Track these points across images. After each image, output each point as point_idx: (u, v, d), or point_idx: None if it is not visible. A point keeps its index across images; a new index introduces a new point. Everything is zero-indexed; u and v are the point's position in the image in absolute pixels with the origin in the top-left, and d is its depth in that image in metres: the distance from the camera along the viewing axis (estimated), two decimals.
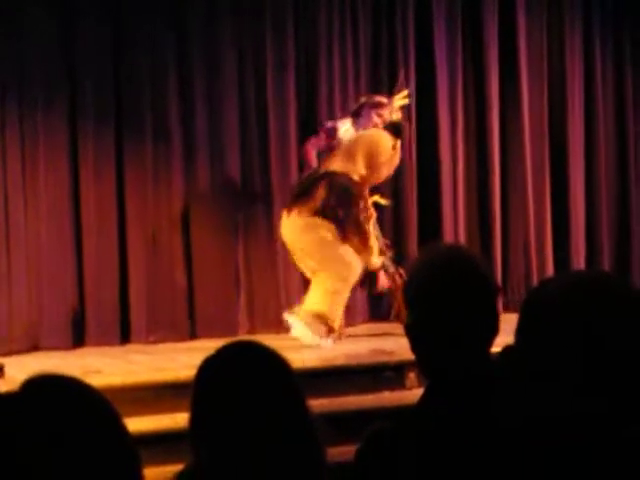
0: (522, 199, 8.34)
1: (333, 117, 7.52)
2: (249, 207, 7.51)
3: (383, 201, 7.15)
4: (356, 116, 7.00)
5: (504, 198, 8.34)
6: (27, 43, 6.81)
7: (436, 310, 1.83)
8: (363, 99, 7.12)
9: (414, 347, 1.88)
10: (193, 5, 7.31)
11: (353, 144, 6.76)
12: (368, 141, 6.76)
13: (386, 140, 6.73)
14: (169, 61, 7.24)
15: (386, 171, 6.80)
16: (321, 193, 6.56)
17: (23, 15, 6.77)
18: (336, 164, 6.67)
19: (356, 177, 6.62)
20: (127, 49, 7.11)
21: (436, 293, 1.83)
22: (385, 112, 6.93)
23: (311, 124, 7.61)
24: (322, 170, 6.73)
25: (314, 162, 6.94)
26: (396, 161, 6.83)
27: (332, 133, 6.95)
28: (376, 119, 6.90)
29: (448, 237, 7.96)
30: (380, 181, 6.88)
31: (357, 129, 6.93)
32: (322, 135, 7.01)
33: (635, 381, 1.53)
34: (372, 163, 6.68)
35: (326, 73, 7.73)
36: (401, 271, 6.88)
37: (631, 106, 8.75)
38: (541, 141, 8.43)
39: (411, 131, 7.83)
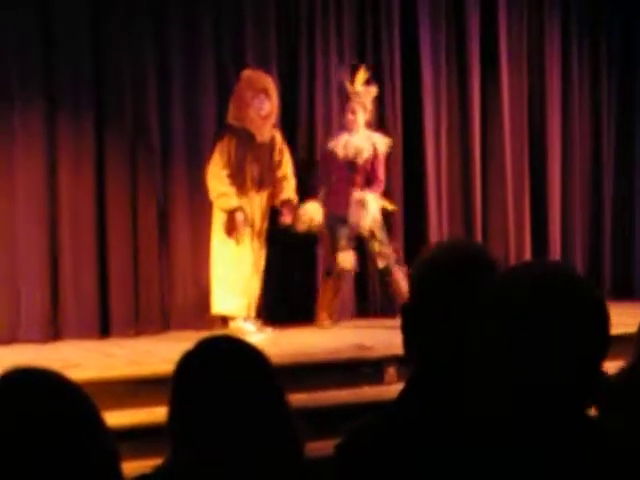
0: (502, 191, 8.43)
1: (313, 117, 7.60)
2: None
3: (390, 207, 7.23)
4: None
5: (484, 191, 8.41)
6: (4, 38, 6.78)
7: (441, 296, 1.81)
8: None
9: (406, 328, 1.87)
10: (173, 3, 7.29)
11: None
12: None
13: None
14: (148, 54, 7.23)
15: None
16: None
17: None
18: None
19: None
20: (107, 47, 7.11)
21: (445, 280, 1.82)
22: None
23: (292, 124, 7.63)
24: None
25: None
26: None
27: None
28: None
29: (433, 229, 8.03)
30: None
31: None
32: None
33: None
34: None
35: (307, 70, 7.74)
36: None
37: (605, 103, 8.88)
38: (521, 136, 8.55)
39: (397, 126, 7.87)
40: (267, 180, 7.01)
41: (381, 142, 7.31)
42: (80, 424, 1.40)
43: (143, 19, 7.19)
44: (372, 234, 7.21)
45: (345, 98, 7.33)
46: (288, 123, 7.62)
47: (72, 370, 5.08)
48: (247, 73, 7.05)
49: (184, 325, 7.17)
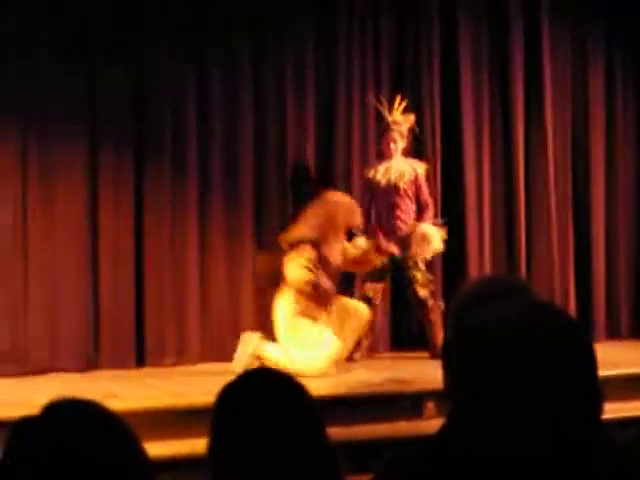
0: (546, 222, 8.34)
1: (350, 140, 7.62)
2: (262, 235, 7.53)
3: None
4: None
5: (528, 223, 8.34)
6: (50, 73, 6.90)
7: None
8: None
9: (447, 364, 1.86)
10: (213, 37, 7.37)
11: None
12: None
13: None
14: (189, 91, 7.31)
15: None
16: None
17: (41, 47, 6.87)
18: None
19: None
20: (149, 82, 7.20)
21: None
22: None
23: (329, 162, 7.69)
24: None
25: None
26: None
27: None
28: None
29: (472, 263, 7.95)
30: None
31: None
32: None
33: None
34: None
35: (345, 109, 7.76)
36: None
37: None
38: (564, 166, 8.45)
39: (435, 157, 7.85)
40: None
41: (419, 166, 7.33)
42: (121, 455, 1.41)
43: (184, 54, 7.26)
44: (415, 263, 7.17)
45: (383, 127, 7.30)
46: (325, 154, 7.66)
47: (112, 400, 5.11)
48: (343, 200, 6.86)
49: (219, 357, 7.17)
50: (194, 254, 7.34)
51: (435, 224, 7.23)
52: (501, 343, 1.61)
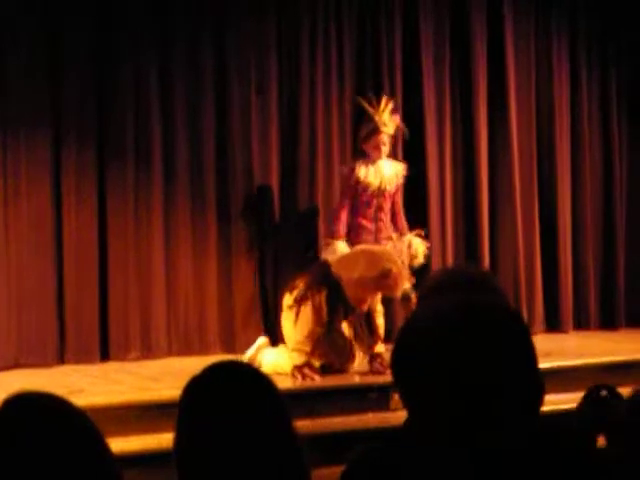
0: (511, 216, 8.34)
1: (315, 140, 7.60)
2: (227, 230, 7.52)
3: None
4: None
5: (492, 218, 8.35)
6: (11, 71, 6.84)
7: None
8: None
9: None
10: (176, 27, 7.33)
11: None
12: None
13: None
14: (150, 77, 7.25)
15: None
16: None
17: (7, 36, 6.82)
18: None
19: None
20: (111, 79, 7.15)
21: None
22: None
23: (293, 147, 7.67)
24: None
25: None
26: None
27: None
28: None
29: (435, 258, 7.93)
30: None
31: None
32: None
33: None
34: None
35: (308, 92, 7.74)
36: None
37: (616, 131, 8.84)
38: (530, 164, 8.45)
39: (397, 149, 7.82)
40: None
41: (400, 171, 7.25)
42: (84, 450, 1.40)
43: (147, 52, 7.23)
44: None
45: (371, 128, 7.05)
46: (288, 153, 7.67)
47: (77, 395, 5.08)
48: (396, 271, 6.39)
49: (185, 351, 7.21)
50: (159, 248, 7.29)
51: (419, 236, 7.18)
52: (422, 337, 1.64)
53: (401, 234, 7.13)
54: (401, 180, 7.21)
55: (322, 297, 6.34)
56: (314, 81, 7.75)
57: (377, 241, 7.03)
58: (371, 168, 7.01)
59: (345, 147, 7.84)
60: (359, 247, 6.74)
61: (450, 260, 8.08)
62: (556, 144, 8.53)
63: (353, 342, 6.55)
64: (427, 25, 8.08)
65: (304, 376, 6.22)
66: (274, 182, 7.65)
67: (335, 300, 6.36)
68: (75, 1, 7.01)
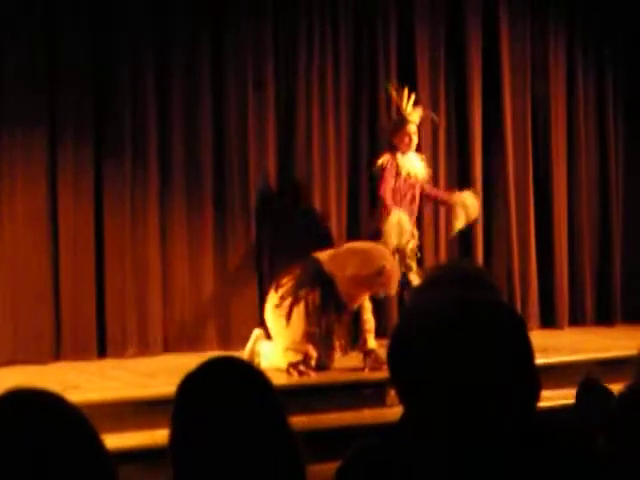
0: (505, 211, 8.36)
1: (310, 138, 7.59)
2: (224, 226, 7.52)
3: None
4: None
5: (487, 214, 8.36)
6: (8, 69, 6.83)
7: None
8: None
9: None
10: (175, 27, 7.33)
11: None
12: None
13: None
14: (148, 77, 7.25)
15: None
16: None
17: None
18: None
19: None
20: (108, 78, 7.14)
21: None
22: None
23: (289, 144, 7.66)
24: None
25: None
26: None
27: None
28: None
29: (428, 254, 7.94)
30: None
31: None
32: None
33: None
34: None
35: (305, 93, 7.74)
36: None
37: (612, 123, 8.86)
38: (524, 161, 8.48)
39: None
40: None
41: (425, 166, 7.30)
42: (79, 447, 1.39)
43: (145, 52, 7.23)
44: (412, 252, 7.13)
45: (396, 120, 7.17)
46: (284, 152, 7.67)
47: (72, 392, 5.08)
48: (389, 267, 6.37)
49: (182, 347, 7.22)
50: (155, 245, 7.31)
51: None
52: (418, 333, 1.64)
53: (449, 199, 7.30)
54: (430, 171, 7.29)
55: (315, 296, 6.34)
56: (310, 81, 7.76)
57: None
58: (403, 160, 7.07)
59: (340, 148, 7.87)
60: (350, 244, 6.74)
61: (443, 256, 8.09)
62: (552, 144, 8.57)
63: (334, 338, 6.54)
64: (422, 28, 8.10)
65: (300, 373, 6.23)
66: (271, 179, 7.65)
67: (328, 298, 6.35)
68: (73, 1, 7.01)
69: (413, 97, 7.18)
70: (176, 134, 7.36)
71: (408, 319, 1.72)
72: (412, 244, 7.12)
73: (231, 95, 7.52)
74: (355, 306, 6.50)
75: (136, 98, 7.23)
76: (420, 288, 1.96)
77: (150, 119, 7.27)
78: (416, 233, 7.22)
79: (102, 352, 7.10)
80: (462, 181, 8.19)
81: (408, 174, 7.12)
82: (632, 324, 8.41)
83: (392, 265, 6.42)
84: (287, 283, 6.44)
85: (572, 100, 8.67)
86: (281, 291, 6.43)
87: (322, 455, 3.61)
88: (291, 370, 6.24)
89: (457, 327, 1.61)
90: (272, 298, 6.51)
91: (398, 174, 7.09)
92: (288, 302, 6.36)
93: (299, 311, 6.32)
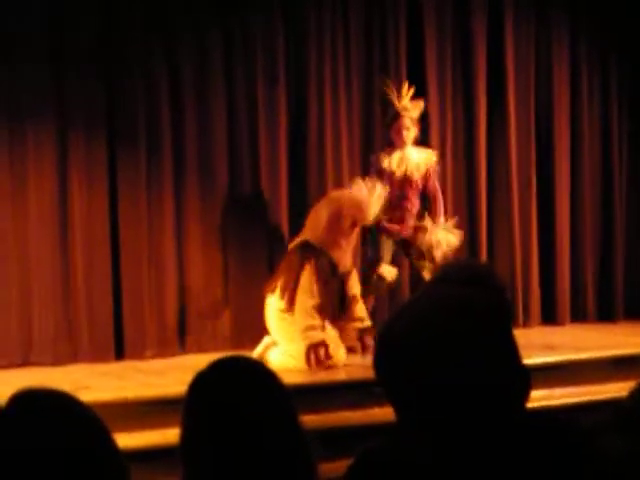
0: (508, 208, 8.36)
1: (323, 132, 7.58)
2: (239, 221, 7.50)
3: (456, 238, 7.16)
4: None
5: (490, 213, 8.36)
6: (16, 61, 6.81)
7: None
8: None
9: None
10: (186, 20, 7.32)
11: None
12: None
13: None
14: (161, 72, 7.23)
15: None
16: None
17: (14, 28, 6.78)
18: None
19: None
20: (120, 67, 7.11)
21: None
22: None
23: (301, 139, 7.66)
24: None
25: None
26: None
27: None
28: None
29: None
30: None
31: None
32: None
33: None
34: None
35: (316, 88, 7.74)
36: None
37: (616, 123, 8.85)
38: (527, 156, 8.47)
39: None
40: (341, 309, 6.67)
41: (431, 157, 7.27)
42: (90, 446, 1.40)
43: (157, 44, 7.21)
44: (429, 252, 7.10)
45: (392, 114, 7.15)
46: (296, 147, 7.66)
47: (83, 392, 5.08)
48: (348, 197, 6.59)
49: (199, 348, 7.18)
50: (169, 240, 7.26)
51: (447, 223, 7.17)
52: (402, 338, 1.65)
53: (434, 222, 7.14)
54: (434, 167, 7.21)
55: (310, 269, 6.34)
56: (322, 76, 7.74)
57: (401, 231, 7.07)
58: (395, 156, 7.04)
59: (353, 143, 7.87)
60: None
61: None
62: (555, 141, 8.57)
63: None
64: (430, 25, 8.10)
65: (318, 359, 6.22)
66: (282, 174, 7.62)
67: (322, 265, 6.37)
68: None
69: (412, 90, 7.15)
70: (190, 125, 7.31)
71: (392, 325, 1.73)
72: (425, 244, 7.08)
73: (241, 88, 7.49)
74: (346, 264, 6.53)
75: (149, 95, 7.19)
76: (429, 285, 1.96)
77: (163, 110, 7.21)
78: (429, 225, 7.13)
79: (120, 354, 7.04)
80: (467, 180, 8.21)
81: (401, 170, 7.07)
82: (634, 320, 8.38)
83: (351, 196, 6.56)
84: (279, 281, 6.44)
85: (576, 100, 8.66)
86: (279, 287, 6.42)
87: (333, 454, 3.61)
88: (310, 353, 6.23)
89: (441, 327, 1.62)
90: (276, 302, 6.48)
91: (391, 171, 7.06)
92: (289, 291, 6.37)
93: (302, 288, 6.32)
